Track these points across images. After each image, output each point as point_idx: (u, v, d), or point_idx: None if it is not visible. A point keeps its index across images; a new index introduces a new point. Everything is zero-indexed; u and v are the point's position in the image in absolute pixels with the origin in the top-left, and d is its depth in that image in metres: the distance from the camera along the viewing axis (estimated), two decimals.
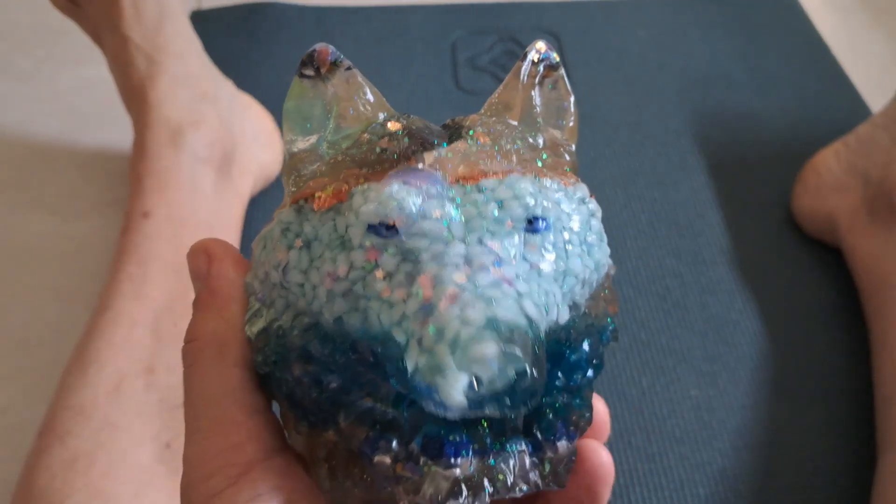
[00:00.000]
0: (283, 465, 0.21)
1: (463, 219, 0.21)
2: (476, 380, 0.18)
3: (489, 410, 0.19)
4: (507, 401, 0.19)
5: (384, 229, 0.20)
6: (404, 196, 0.20)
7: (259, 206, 0.66)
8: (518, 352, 0.19)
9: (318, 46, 0.23)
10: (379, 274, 0.20)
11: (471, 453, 0.20)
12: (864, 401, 0.56)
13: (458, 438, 0.20)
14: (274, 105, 0.72)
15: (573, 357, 0.22)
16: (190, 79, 0.59)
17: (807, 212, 0.66)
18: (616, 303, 0.24)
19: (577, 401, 0.22)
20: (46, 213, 0.66)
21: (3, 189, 0.68)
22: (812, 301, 0.62)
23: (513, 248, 0.21)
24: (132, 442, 0.44)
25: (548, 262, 0.21)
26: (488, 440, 0.21)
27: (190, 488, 0.21)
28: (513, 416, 0.21)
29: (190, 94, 0.59)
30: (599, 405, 0.24)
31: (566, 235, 0.22)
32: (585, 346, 0.23)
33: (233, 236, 0.60)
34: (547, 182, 0.22)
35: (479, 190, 0.21)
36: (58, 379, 0.49)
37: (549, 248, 0.22)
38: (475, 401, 0.19)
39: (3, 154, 0.71)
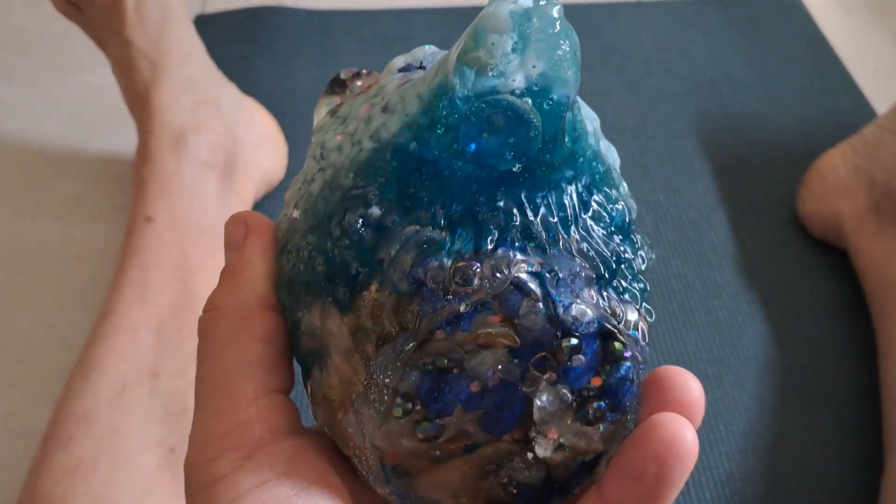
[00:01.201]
0: (294, 448, 0.20)
1: None
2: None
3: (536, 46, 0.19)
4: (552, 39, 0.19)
5: (414, 67, 0.22)
6: (431, 46, 0.22)
7: (263, 211, 0.65)
8: None
9: (342, 70, 0.25)
10: (411, 86, 0.21)
11: (528, 248, 0.20)
12: (870, 403, 0.56)
13: (511, 238, 0.20)
14: (278, 109, 0.72)
15: (604, 194, 0.22)
16: (193, 83, 0.59)
17: (812, 214, 0.66)
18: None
19: (626, 266, 0.22)
20: (50, 219, 0.66)
21: (7, 195, 0.68)
22: (818, 303, 0.62)
23: None
24: (135, 448, 0.44)
25: None
26: (544, 242, 0.20)
27: (193, 469, 0.20)
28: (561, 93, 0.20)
29: (193, 99, 0.59)
30: (693, 382, 0.21)
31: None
32: (619, 204, 0.22)
33: None
34: None
35: None
36: (62, 384, 0.49)
37: None
38: (521, 15, 0.19)
39: (7, 159, 0.71)
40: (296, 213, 0.22)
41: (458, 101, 0.19)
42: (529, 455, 0.21)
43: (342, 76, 0.24)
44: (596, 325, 0.20)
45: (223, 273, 0.23)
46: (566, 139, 0.20)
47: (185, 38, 0.60)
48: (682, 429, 0.20)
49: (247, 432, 0.20)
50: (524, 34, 0.19)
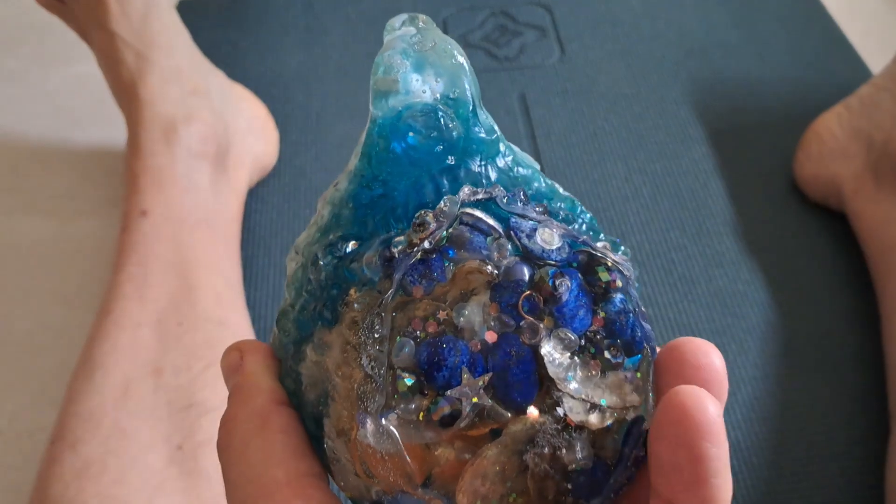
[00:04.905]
0: None
1: None
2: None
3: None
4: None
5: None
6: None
7: (258, 198, 0.65)
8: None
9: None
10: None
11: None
12: (875, 368, 0.56)
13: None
14: (267, 93, 0.71)
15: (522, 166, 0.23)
16: (180, 73, 0.58)
17: (810, 178, 0.65)
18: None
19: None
20: (43, 216, 0.66)
21: None
22: (819, 268, 0.62)
23: None
24: (143, 447, 0.44)
25: None
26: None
27: None
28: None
29: (181, 89, 0.58)
30: (713, 353, 0.20)
31: None
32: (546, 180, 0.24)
33: (232, 230, 0.59)
34: None
35: None
36: (65, 382, 0.49)
37: None
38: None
39: None
40: (286, 302, 0.23)
41: (380, 122, 0.22)
42: (560, 412, 0.20)
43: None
44: (567, 250, 0.21)
45: (230, 395, 0.23)
46: (480, 131, 0.22)
47: (170, 27, 0.59)
48: (698, 401, 0.18)
49: None
50: (419, 56, 0.22)
